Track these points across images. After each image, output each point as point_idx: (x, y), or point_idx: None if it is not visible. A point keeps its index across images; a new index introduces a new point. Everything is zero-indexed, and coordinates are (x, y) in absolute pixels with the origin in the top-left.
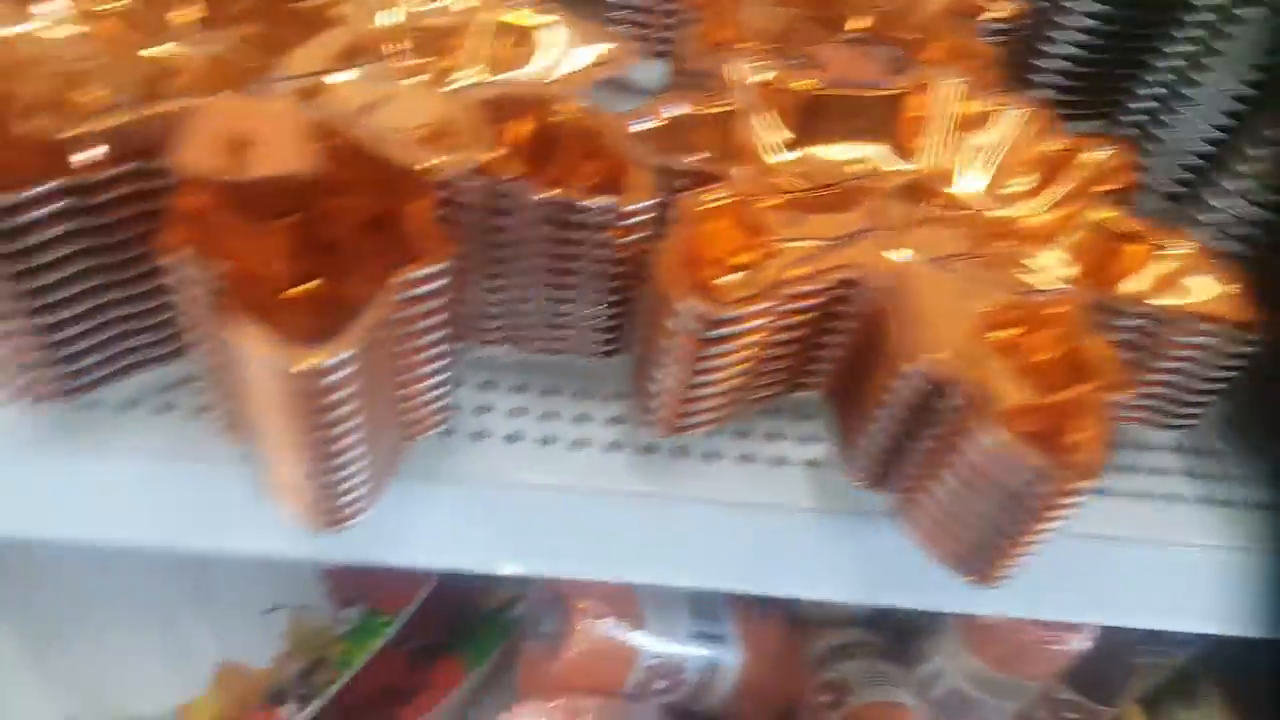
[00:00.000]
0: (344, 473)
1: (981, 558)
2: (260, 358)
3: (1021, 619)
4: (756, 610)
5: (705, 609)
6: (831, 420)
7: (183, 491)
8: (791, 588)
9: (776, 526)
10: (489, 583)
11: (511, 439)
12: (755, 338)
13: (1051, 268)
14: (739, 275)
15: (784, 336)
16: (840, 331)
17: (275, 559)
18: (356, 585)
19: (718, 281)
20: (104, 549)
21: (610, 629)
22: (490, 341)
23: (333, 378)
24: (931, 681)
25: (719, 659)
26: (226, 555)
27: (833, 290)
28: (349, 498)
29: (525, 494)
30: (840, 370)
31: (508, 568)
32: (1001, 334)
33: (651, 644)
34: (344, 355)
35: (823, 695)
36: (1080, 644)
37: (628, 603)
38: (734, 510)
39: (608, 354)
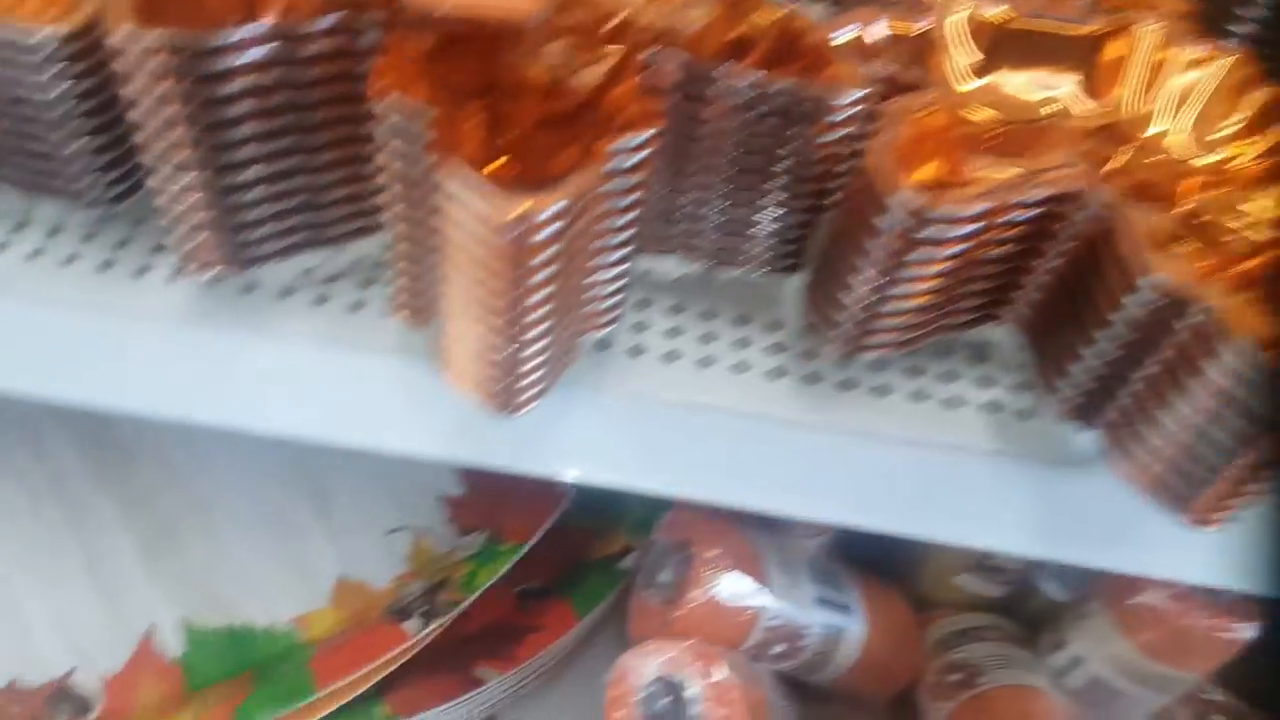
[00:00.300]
0: (532, 348)
1: (1201, 494)
2: (473, 204)
3: (1188, 602)
4: (879, 585)
5: (830, 577)
6: (1031, 352)
7: (337, 384)
8: (961, 534)
9: (950, 468)
10: (605, 528)
11: (669, 358)
12: (964, 246)
13: (1265, 214)
14: (953, 182)
15: (992, 253)
16: (1051, 254)
17: (423, 459)
18: (478, 513)
19: (929, 184)
20: (235, 452)
21: (734, 583)
22: (663, 250)
23: (541, 234)
24: (1067, 670)
25: (842, 627)
26: (377, 451)
27: (1049, 205)
28: (530, 379)
29: (681, 413)
30: (1046, 295)
31: (657, 485)
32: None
33: (774, 605)
34: (556, 207)
35: (951, 675)
36: (1249, 634)
37: (753, 561)
38: (904, 448)
39: (787, 269)
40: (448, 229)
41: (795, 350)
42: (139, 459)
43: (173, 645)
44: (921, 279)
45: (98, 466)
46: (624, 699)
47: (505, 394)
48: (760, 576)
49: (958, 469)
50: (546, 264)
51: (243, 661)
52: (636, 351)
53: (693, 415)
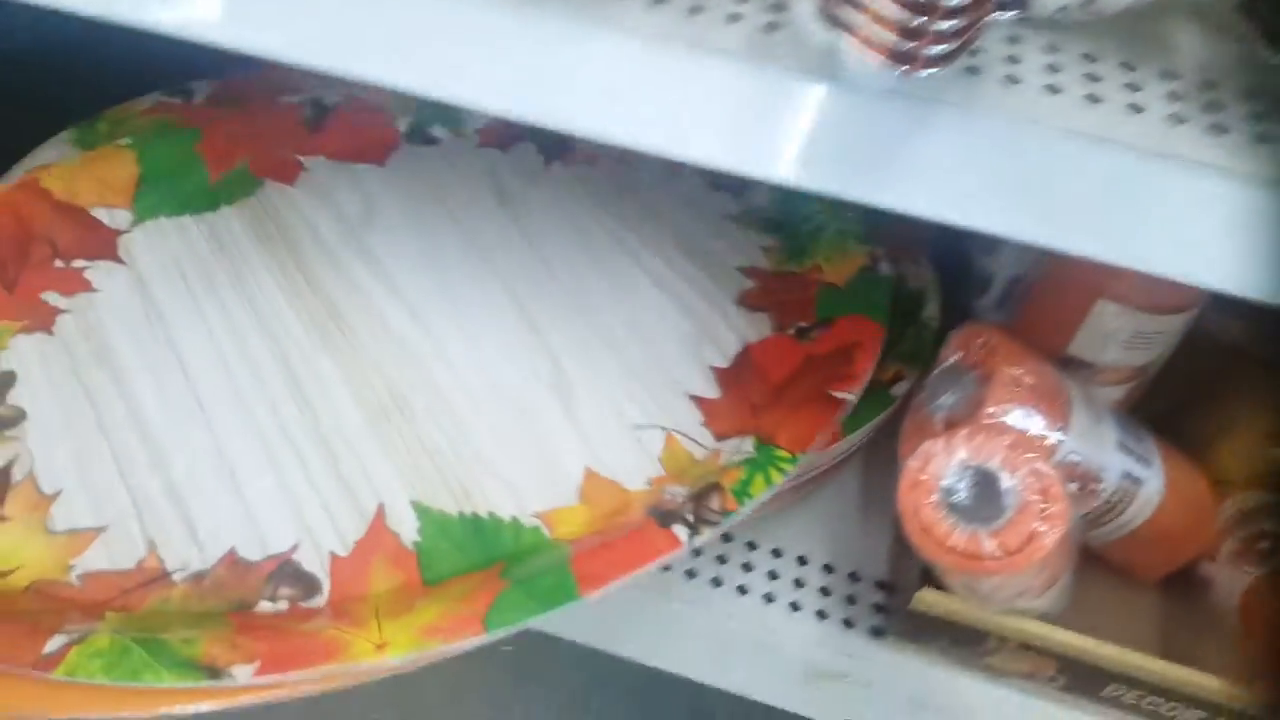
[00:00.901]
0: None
1: None
2: None
3: None
4: (1178, 451)
5: (1131, 427)
6: None
7: (673, 85)
8: None
9: None
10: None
11: (1050, 90)
12: None
13: None
14: None
15: None
16: None
17: (753, 177)
18: (735, 418)
19: None
20: (465, 330)
21: (1032, 408)
22: None
23: None
24: None
25: (1140, 478)
26: (710, 166)
27: None
28: (940, 37)
29: (1070, 145)
30: None
31: (1023, 227)
32: None
33: (1073, 439)
34: None
35: (1255, 544)
36: None
37: (1054, 390)
38: None
39: None
40: None
41: (1194, 100)
42: (362, 332)
43: (408, 529)
44: None
45: (322, 337)
46: (927, 482)
47: (908, 48)
48: (1060, 407)
49: None
50: None
51: (488, 555)
52: (1011, 81)
53: (1083, 149)
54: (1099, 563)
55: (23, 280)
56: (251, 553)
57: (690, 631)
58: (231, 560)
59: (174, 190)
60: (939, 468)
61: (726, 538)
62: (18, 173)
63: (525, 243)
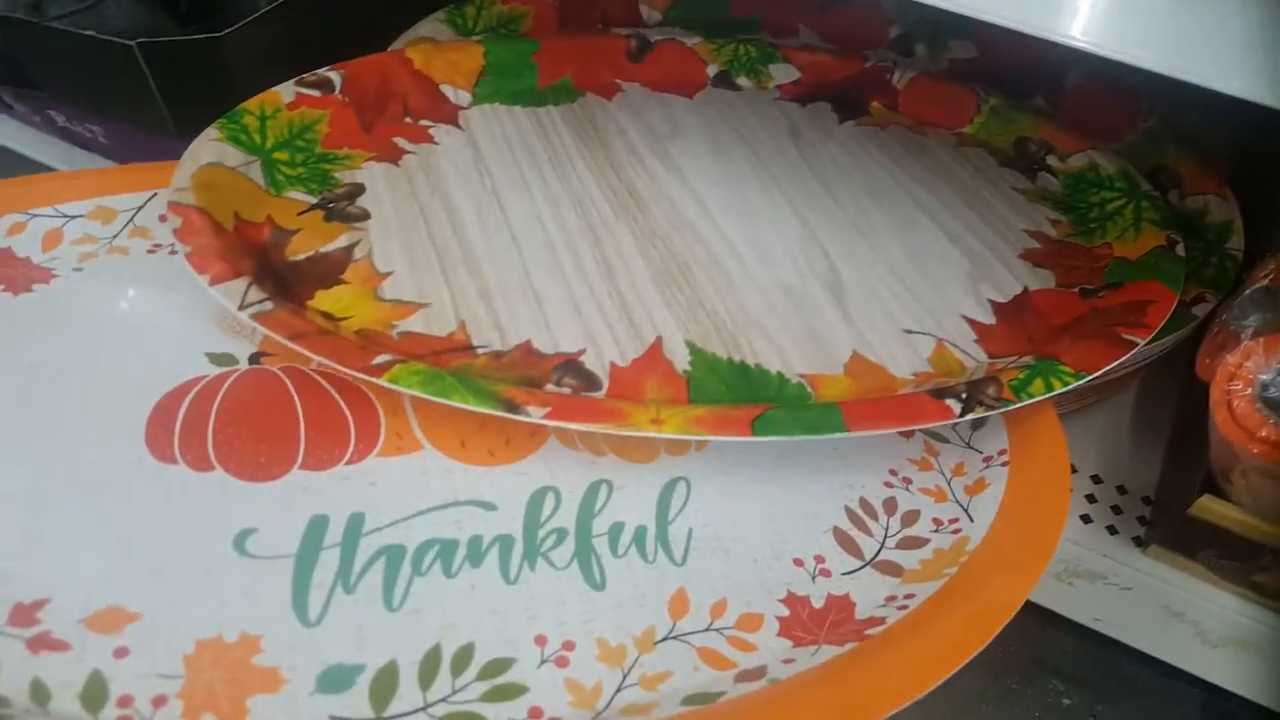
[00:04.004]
0: None
1: None
2: None
3: None
4: None
5: None
6: None
7: None
8: None
9: None
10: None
11: None
12: None
13: None
14: None
15: None
16: None
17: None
18: (1008, 344)
19: None
20: (744, 218)
21: None
22: None
23: None
24: None
25: None
26: None
27: None
28: None
29: None
30: None
31: None
32: None
33: None
34: None
35: None
36: None
37: None
38: None
39: None
40: None
41: None
42: (652, 205)
43: (680, 360)
44: None
45: (617, 202)
46: (1245, 375)
47: None
48: None
49: None
50: None
51: (753, 396)
52: None
53: None
54: None
55: (378, 126)
56: (544, 347)
57: None
58: (527, 348)
59: (509, 85)
60: (1258, 363)
61: None
62: (400, 43)
63: (813, 176)
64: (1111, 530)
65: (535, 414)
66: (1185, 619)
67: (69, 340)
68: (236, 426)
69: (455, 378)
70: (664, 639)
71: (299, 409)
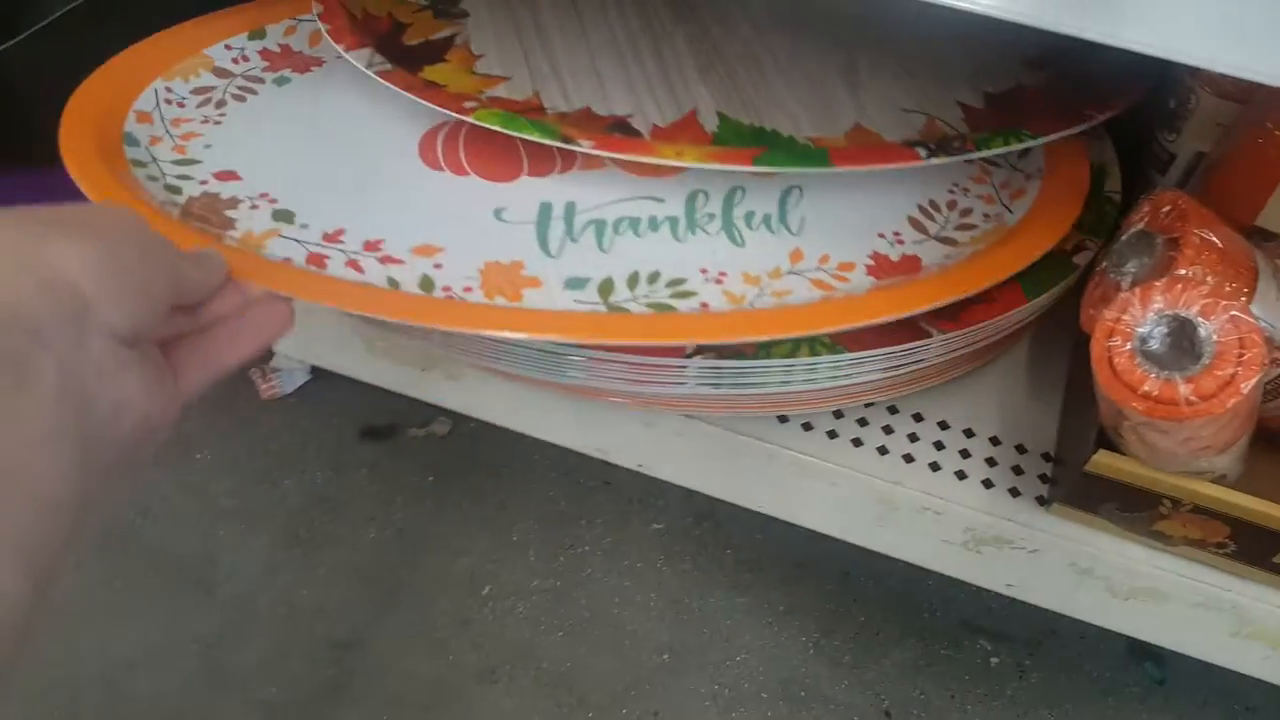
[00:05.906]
0: None
1: None
2: None
3: None
4: None
5: None
6: None
7: None
8: None
9: None
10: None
11: None
12: None
13: None
14: None
15: None
16: None
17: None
18: (991, 121)
19: None
20: (787, 27)
21: (1217, 278)
22: None
23: None
24: None
25: None
26: None
27: None
28: None
29: None
30: None
31: None
32: None
33: (1255, 310)
34: None
35: None
36: None
37: (1241, 263)
38: None
39: None
40: None
41: None
42: (713, 29)
43: (709, 125)
44: None
45: (675, 11)
46: (1123, 330)
47: None
48: (1246, 275)
49: None
50: None
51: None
52: None
53: None
54: (1272, 440)
55: None
56: (601, 111)
57: (856, 495)
58: (587, 111)
59: None
60: (1135, 317)
61: (893, 409)
62: None
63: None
64: (1014, 492)
65: (585, 145)
66: (1094, 574)
67: (348, 100)
68: (478, 145)
69: (525, 118)
70: (787, 274)
71: (519, 141)
